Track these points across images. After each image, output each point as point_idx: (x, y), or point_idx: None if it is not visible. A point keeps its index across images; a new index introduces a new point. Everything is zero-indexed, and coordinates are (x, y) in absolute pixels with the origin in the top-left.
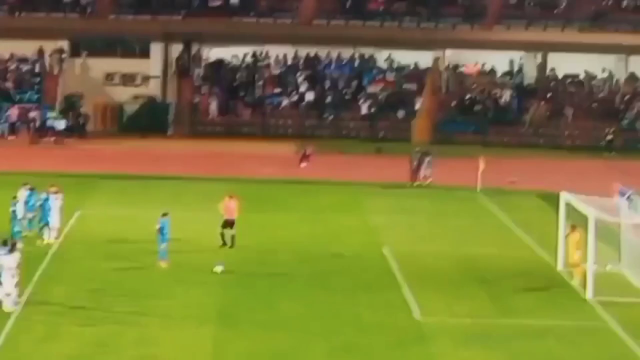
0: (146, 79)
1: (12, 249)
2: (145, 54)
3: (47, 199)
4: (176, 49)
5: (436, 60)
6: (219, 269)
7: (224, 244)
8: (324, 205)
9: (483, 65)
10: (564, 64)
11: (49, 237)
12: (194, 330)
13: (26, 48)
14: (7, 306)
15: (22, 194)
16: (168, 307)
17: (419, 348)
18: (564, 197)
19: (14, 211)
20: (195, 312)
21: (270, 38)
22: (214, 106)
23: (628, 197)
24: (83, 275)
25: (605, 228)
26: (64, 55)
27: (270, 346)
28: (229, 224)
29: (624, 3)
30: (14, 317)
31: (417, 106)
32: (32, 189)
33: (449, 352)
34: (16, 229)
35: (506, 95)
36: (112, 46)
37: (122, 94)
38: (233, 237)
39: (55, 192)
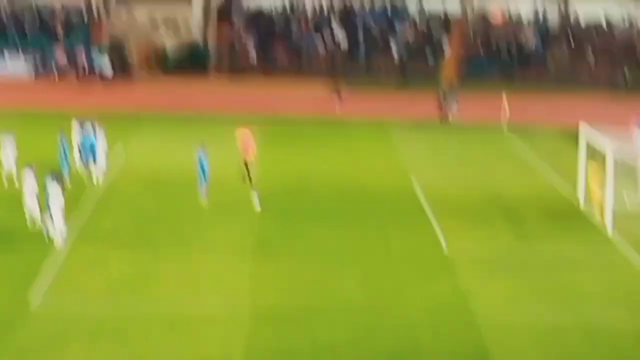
0: (188, 24)
1: (62, 184)
2: (187, 0)
3: (94, 137)
4: None
5: (464, 7)
6: (254, 201)
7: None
8: (355, 141)
9: (508, 12)
10: (585, 9)
11: (97, 172)
12: (232, 261)
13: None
14: (58, 242)
15: (73, 130)
16: (208, 239)
17: (445, 279)
18: (584, 130)
19: (63, 147)
20: (233, 244)
21: None
22: (252, 51)
23: None
24: (129, 208)
25: (625, 161)
26: (110, 3)
27: (304, 275)
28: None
29: None
30: (66, 248)
31: (446, 52)
32: (81, 126)
33: (474, 280)
34: (65, 164)
35: (531, 41)
36: None
37: (165, 38)
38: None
39: (102, 130)
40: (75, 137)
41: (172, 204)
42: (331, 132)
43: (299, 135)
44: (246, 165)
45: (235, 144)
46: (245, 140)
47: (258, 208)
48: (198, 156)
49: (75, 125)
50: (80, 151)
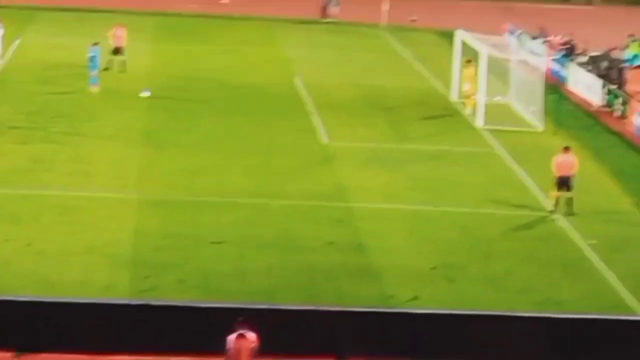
0: None
1: None
2: None
3: None
4: None
5: None
6: (145, 94)
7: (107, 69)
8: (242, 38)
9: None
10: None
11: None
12: (122, 150)
13: None
14: None
15: None
16: (99, 128)
17: (325, 168)
18: (460, 34)
19: None
20: (123, 134)
21: None
22: None
23: (517, 36)
24: (22, 98)
25: (496, 63)
26: None
27: (191, 164)
28: (118, 51)
29: None
30: None
31: None
32: None
33: (352, 172)
34: None
35: None
36: None
37: None
38: (124, 63)
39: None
40: None
41: (65, 93)
42: (218, 27)
43: (188, 31)
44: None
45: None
46: (118, 34)
47: (145, 95)
48: (90, 52)
49: None
50: None
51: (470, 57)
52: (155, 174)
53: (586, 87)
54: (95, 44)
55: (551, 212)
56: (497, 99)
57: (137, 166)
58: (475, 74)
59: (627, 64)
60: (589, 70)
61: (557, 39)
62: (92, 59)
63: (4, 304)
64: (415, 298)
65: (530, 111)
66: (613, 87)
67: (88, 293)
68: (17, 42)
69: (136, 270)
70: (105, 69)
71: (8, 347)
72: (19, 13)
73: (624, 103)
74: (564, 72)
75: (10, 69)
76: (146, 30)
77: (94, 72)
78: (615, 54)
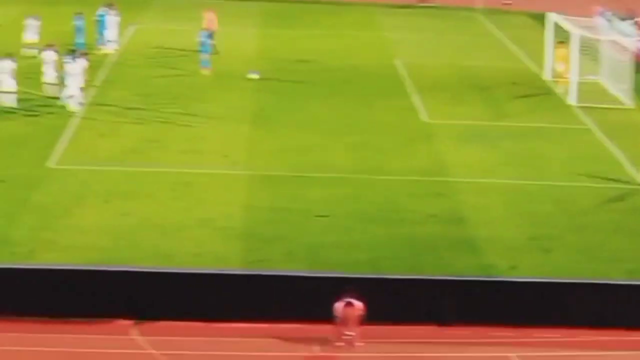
0: None
1: (76, 57)
2: None
3: (104, 14)
4: None
5: None
6: (253, 76)
7: (217, 52)
8: (344, 23)
9: None
10: None
11: (107, 48)
12: (232, 129)
13: None
14: (71, 106)
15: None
16: (210, 109)
17: (425, 145)
18: (552, 16)
19: (78, 25)
20: (233, 114)
21: None
22: None
23: (607, 17)
24: (137, 81)
25: (587, 44)
26: None
27: (297, 142)
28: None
29: None
30: (79, 117)
31: None
32: (106, 9)
33: (451, 149)
34: (79, 40)
35: None
36: None
37: None
38: (214, 45)
39: (112, 8)
40: (98, 20)
41: (177, 76)
42: (322, 12)
43: (293, 16)
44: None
45: (234, 21)
46: (210, 19)
47: (254, 76)
48: (200, 36)
49: (99, 9)
50: (100, 31)
51: (563, 38)
52: (264, 152)
53: None
54: (205, 28)
55: None
56: (589, 77)
57: (246, 144)
58: (568, 54)
59: None
60: None
61: None
62: (203, 42)
63: (124, 274)
64: (514, 268)
65: (620, 89)
66: None
67: (202, 264)
68: (132, 28)
69: (247, 243)
70: (216, 53)
71: (129, 315)
72: (133, 1)
73: None
74: None
75: (125, 54)
76: (254, 16)
77: (205, 56)
78: None
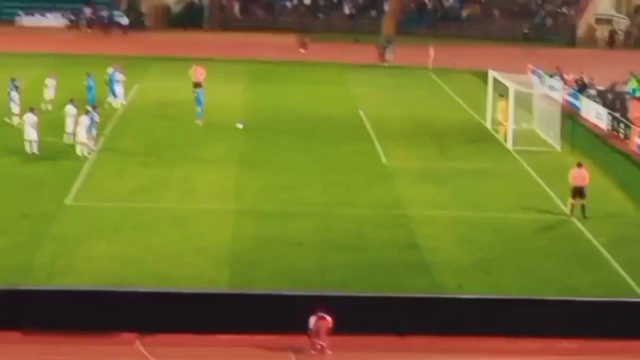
0: None
1: (86, 112)
2: None
3: (113, 74)
4: None
5: None
6: (240, 125)
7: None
8: (316, 80)
9: None
10: None
11: (115, 103)
12: (222, 171)
13: None
14: (79, 151)
15: (107, 72)
16: (203, 154)
17: (385, 183)
18: (492, 73)
19: (89, 84)
20: (222, 158)
21: None
22: (236, 7)
23: (538, 75)
24: (142, 131)
25: (522, 97)
26: None
27: (277, 181)
28: (197, 85)
29: None
30: (92, 161)
31: (386, 8)
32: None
33: (407, 186)
34: (90, 96)
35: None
36: None
37: None
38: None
39: (119, 69)
40: (107, 79)
41: (175, 126)
42: (297, 71)
43: (272, 73)
44: (196, 86)
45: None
46: (198, 71)
47: (240, 126)
48: (195, 92)
49: (109, 70)
50: (111, 89)
51: (501, 92)
52: (249, 190)
53: (595, 115)
54: (198, 85)
55: (568, 216)
56: (524, 125)
57: (234, 184)
58: (506, 106)
59: (628, 96)
60: (598, 101)
61: (570, 76)
62: (197, 97)
63: (130, 294)
64: (460, 286)
65: (550, 135)
66: (617, 114)
67: (196, 285)
68: (136, 86)
69: (234, 267)
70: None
71: (133, 329)
72: (137, 63)
73: (627, 127)
74: (577, 103)
75: (130, 109)
76: (240, 73)
77: (199, 109)
78: (618, 88)
